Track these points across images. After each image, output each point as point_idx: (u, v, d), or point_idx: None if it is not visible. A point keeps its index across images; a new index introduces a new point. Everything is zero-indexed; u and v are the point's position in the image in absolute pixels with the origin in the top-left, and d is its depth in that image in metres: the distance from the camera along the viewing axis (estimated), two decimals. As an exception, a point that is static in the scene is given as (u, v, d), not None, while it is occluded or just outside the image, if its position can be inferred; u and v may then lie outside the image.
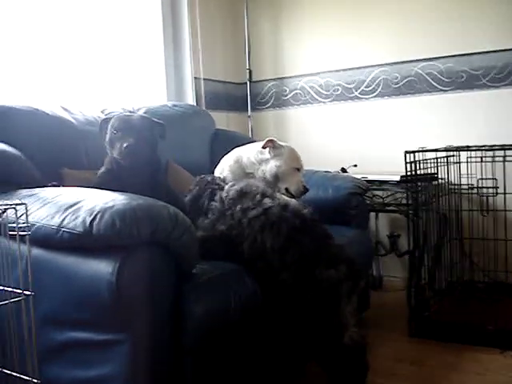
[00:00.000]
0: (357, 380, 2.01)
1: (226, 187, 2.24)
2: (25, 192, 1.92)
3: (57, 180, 2.23)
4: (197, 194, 2.30)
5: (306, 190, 2.62)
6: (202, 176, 2.44)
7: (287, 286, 1.95)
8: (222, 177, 2.63)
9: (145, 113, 3.01)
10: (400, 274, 3.76)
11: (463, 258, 3.41)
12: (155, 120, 2.26)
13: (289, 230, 1.97)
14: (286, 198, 2.64)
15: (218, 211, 2.14)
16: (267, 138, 2.63)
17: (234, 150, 2.80)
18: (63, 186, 2.08)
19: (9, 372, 1.55)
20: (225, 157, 2.80)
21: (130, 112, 2.94)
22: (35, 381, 1.48)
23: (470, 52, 3.52)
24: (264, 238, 1.97)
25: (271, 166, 2.61)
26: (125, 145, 2.06)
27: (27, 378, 1.49)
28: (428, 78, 3.67)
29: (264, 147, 2.64)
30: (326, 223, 2.12)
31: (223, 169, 2.74)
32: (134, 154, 2.08)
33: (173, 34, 3.80)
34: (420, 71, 3.70)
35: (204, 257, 1.92)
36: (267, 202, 2.06)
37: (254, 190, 2.15)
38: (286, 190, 2.60)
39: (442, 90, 3.63)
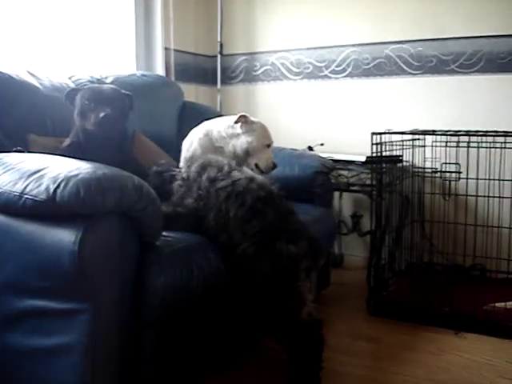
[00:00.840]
0: (313, 355, 2.04)
1: (184, 168, 2.26)
2: (-13, 157, 1.88)
3: (22, 146, 2.19)
4: (158, 183, 2.27)
5: (274, 166, 2.63)
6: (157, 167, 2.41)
7: (247, 258, 1.95)
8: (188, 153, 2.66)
9: (113, 81, 2.98)
10: (361, 253, 3.81)
11: (423, 240, 3.47)
12: (124, 91, 2.24)
13: (253, 200, 1.99)
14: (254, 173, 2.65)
15: (185, 186, 2.14)
16: (239, 114, 2.62)
17: (204, 123, 2.78)
18: (28, 151, 2.05)
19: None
20: (194, 129, 2.78)
21: (99, 81, 2.90)
22: (-7, 347, 1.48)
23: (441, 37, 3.53)
24: (228, 207, 1.99)
25: (242, 142, 2.61)
26: (101, 114, 2.04)
27: (-15, 344, 1.48)
28: (398, 61, 3.69)
29: (236, 122, 2.63)
30: (291, 201, 2.13)
31: (192, 141, 2.72)
32: (110, 123, 2.06)
33: (144, 3, 3.74)
34: (391, 53, 3.71)
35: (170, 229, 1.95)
36: (235, 174, 2.09)
37: (219, 162, 2.17)
38: (256, 165, 2.61)
39: (411, 74, 3.66)
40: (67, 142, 2.22)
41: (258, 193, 2.02)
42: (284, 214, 2.04)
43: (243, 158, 2.62)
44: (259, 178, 2.14)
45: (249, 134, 2.62)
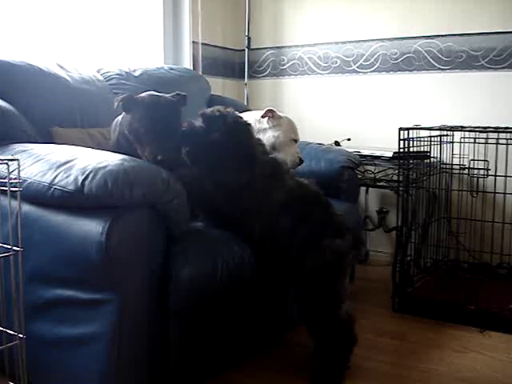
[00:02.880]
0: (344, 352, 2.06)
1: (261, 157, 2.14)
2: (18, 147, 1.91)
3: (47, 138, 2.21)
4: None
5: (301, 161, 2.63)
6: None
7: (293, 258, 2.00)
8: None
9: (141, 74, 3.00)
10: (386, 249, 3.79)
11: (450, 237, 3.44)
12: (179, 97, 2.15)
13: (303, 208, 2.02)
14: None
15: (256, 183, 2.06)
16: (267, 108, 2.63)
17: (231, 117, 2.78)
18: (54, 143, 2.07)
19: (-5, 325, 1.56)
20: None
21: (127, 74, 2.91)
22: (21, 336, 1.50)
23: (471, 32, 3.49)
24: (281, 218, 2.00)
25: (269, 136, 2.61)
26: (159, 158, 1.93)
27: (13, 332, 1.51)
28: (427, 56, 3.65)
29: (263, 116, 2.63)
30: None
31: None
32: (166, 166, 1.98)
33: (173, -4, 3.76)
34: (419, 48, 3.68)
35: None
36: (289, 183, 2.08)
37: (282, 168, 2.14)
38: None
39: (440, 69, 3.62)
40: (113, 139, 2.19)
41: (307, 199, 2.05)
42: (326, 211, 2.08)
43: (270, 152, 2.62)
44: (301, 180, 2.14)
45: (276, 129, 2.62)
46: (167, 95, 2.11)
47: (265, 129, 2.63)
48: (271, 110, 2.62)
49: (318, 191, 2.12)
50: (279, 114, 2.65)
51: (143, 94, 2.07)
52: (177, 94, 2.14)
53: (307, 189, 2.09)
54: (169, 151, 1.94)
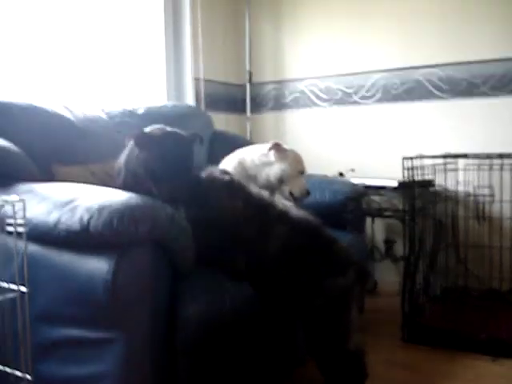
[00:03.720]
0: None
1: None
2: (22, 187, 1.92)
3: (49, 176, 2.22)
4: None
5: (308, 193, 2.64)
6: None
7: (296, 296, 1.97)
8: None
9: (144, 113, 3.02)
10: (394, 279, 3.76)
11: (458, 264, 3.42)
12: (196, 136, 2.13)
13: (302, 258, 1.97)
14: (286, 203, 2.65)
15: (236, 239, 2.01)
16: (272, 142, 2.64)
17: (237, 151, 2.80)
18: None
19: (2, 368, 1.55)
20: (227, 158, 2.80)
21: (131, 113, 2.94)
22: (28, 377, 1.49)
23: (470, 60, 3.52)
24: (281, 271, 1.96)
25: (276, 169, 2.62)
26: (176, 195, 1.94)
27: (20, 374, 1.50)
28: (428, 85, 3.68)
29: (270, 149, 2.65)
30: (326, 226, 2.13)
31: (225, 170, 2.74)
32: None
33: (174, 34, 3.80)
34: (420, 78, 3.71)
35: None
36: (281, 230, 2.01)
37: (271, 216, 2.05)
38: (290, 193, 2.62)
39: (441, 97, 3.64)
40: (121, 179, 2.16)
41: (302, 242, 2.00)
42: (328, 248, 2.02)
43: (277, 185, 2.63)
44: (301, 217, 2.08)
45: (282, 162, 2.63)
46: (180, 131, 2.08)
47: (271, 162, 2.64)
48: (277, 143, 2.64)
49: (318, 228, 2.06)
50: (285, 147, 2.67)
51: (155, 130, 2.04)
52: (194, 133, 2.11)
53: (305, 228, 2.03)
54: (184, 190, 1.93)
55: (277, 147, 2.64)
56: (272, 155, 2.65)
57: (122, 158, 2.12)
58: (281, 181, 2.63)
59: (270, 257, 1.96)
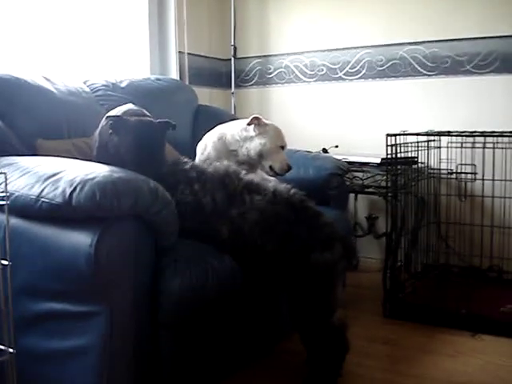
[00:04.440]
0: (337, 359, 2.06)
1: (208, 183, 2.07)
2: (4, 160, 1.90)
3: (32, 151, 2.20)
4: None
5: (289, 168, 2.62)
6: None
7: (282, 274, 1.98)
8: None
9: (127, 85, 3.00)
10: (376, 255, 3.79)
11: (439, 241, 3.45)
12: (168, 124, 2.18)
13: (285, 228, 1.96)
14: (269, 178, 2.65)
15: (213, 214, 2.00)
16: (252, 116, 2.62)
17: (218, 126, 2.78)
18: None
19: (-16, 341, 1.55)
20: (208, 133, 2.79)
21: (113, 86, 2.91)
22: (11, 350, 1.48)
23: (456, 38, 3.52)
24: (264, 241, 1.95)
25: (255, 144, 2.61)
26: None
27: (3, 347, 1.49)
28: (412, 62, 3.67)
29: (249, 124, 2.63)
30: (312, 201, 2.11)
31: (206, 145, 2.73)
32: None
33: (158, 7, 3.76)
34: (405, 55, 3.70)
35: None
36: (256, 199, 2.00)
37: (236, 186, 2.05)
38: (270, 167, 2.61)
39: (426, 75, 3.64)
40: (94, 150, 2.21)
41: (288, 216, 1.98)
42: (314, 223, 2.01)
43: (257, 160, 2.62)
44: (278, 190, 2.06)
45: (262, 136, 2.61)
46: (155, 120, 2.15)
47: (251, 137, 2.63)
48: (257, 117, 2.62)
49: (303, 203, 2.05)
50: (265, 121, 2.65)
51: (133, 118, 2.11)
52: (166, 121, 2.17)
53: (287, 199, 2.02)
54: (151, 177, 1.95)
55: (256, 121, 2.62)
56: (252, 130, 2.63)
57: (97, 135, 2.20)
58: (261, 156, 2.61)
59: (249, 224, 1.95)
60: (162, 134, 2.17)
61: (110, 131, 2.10)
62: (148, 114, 2.28)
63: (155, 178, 1.81)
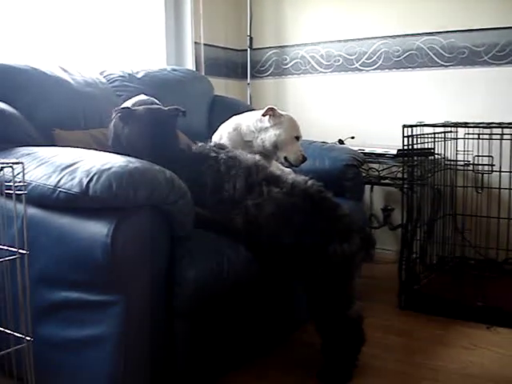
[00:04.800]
0: (353, 350, 2.06)
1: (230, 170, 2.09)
2: (22, 151, 1.92)
3: (51, 140, 2.22)
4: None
5: (304, 159, 2.62)
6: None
7: (300, 266, 1.98)
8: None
9: (144, 76, 3.00)
10: (392, 247, 3.78)
11: (455, 233, 3.43)
12: (178, 111, 2.23)
13: (302, 218, 1.95)
14: (285, 169, 2.65)
15: (229, 202, 2.02)
16: (267, 106, 2.62)
17: (233, 117, 2.79)
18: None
19: (2, 329, 1.57)
20: (223, 124, 2.79)
21: (130, 76, 2.92)
22: (28, 338, 1.50)
23: (473, 28, 3.48)
24: (281, 233, 1.95)
25: (270, 135, 2.60)
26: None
27: (20, 335, 1.51)
28: (429, 53, 3.65)
29: (264, 115, 2.63)
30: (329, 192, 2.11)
31: (221, 136, 2.73)
32: None
33: (174, -2, 3.76)
34: (422, 45, 3.67)
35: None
36: (274, 191, 2.00)
37: (256, 177, 2.05)
38: (285, 158, 2.61)
39: (443, 66, 3.61)
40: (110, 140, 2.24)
41: (305, 208, 1.97)
42: (331, 214, 2.01)
43: (272, 151, 2.62)
44: (296, 183, 2.05)
45: (277, 127, 2.61)
46: (164, 108, 2.20)
47: (266, 128, 2.62)
48: (272, 108, 2.62)
49: (321, 194, 2.04)
50: (280, 112, 2.64)
51: (141, 107, 2.17)
52: (176, 108, 2.22)
53: (305, 191, 2.01)
54: (163, 163, 1.97)
55: (271, 112, 2.62)
56: (266, 121, 2.63)
57: (111, 126, 2.23)
58: (275, 146, 2.61)
59: (265, 215, 1.95)
60: (172, 121, 2.21)
61: (121, 124, 2.14)
62: (158, 102, 2.29)
63: (170, 161, 1.84)
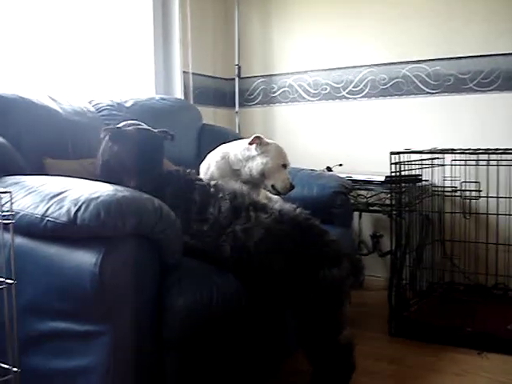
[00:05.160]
0: (343, 378, 2.04)
1: (218, 195, 2.11)
2: (10, 180, 1.91)
3: (40, 169, 2.22)
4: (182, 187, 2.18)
5: (292, 187, 2.62)
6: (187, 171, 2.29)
7: (288, 289, 1.97)
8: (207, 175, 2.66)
9: (132, 105, 3.01)
10: (381, 273, 3.78)
11: (444, 259, 3.44)
12: (166, 134, 2.30)
13: (292, 246, 1.95)
14: (272, 196, 2.66)
15: (216, 226, 2.01)
16: (254, 135, 2.63)
17: (221, 146, 2.79)
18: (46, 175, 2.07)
19: (-12, 360, 1.55)
20: (211, 153, 2.80)
21: (119, 105, 2.93)
22: (15, 369, 1.48)
23: (458, 56, 3.54)
24: (271, 259, 1.94)
25: (257, 163, 2.61)
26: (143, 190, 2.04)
27: (7, 366, 1.49)
28: (415, 81, 3.69)
29: (251, 144, 2.64)
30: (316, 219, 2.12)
31: (209, 165, 2.73)
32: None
33: (162, 27, 3.79)
34: (408, 73, 3.72)
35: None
36: (263, 217, 2.00)
37: (243, 201, 2.07)
38: (272, 186, 2.61)
39: (428, 93, 3.66)
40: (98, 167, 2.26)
41: (294, 236, 1.97)
42: (320, 241, 2.01)
43: (260, 179, 2.62)
44: (284, 210, 2.06)
45: (264, 155, 2.62)
46: (153, 129, 2.25)
47: (253, 156, 2.63)
48: (258, 136, 2.63)
49: (308, 221, 2.05)
50: (267, 140, 2.65)
51: (130, 128, 2.21)
52: (164, 131, 2.29)
53: (293, 219, 2.02)
54: (151, 183, 2.04)
55: (258, 140, 2.63)
56: (253, 149, 2.64)
57: (99, 150, 2.26)
58: (263, 175, 2.62)
59: (254, 241, 1.94)
60: (160, 142, 2.25)
61: (110, 144, 2.17)
62: (145, 125, 2.31)
63: (158, 182, 1.86)
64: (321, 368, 2.02)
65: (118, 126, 2.25)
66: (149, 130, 2.22)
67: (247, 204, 2.05)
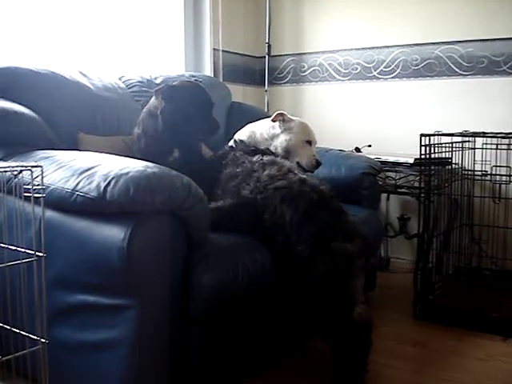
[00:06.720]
0: (360, 357, 2.03)
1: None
2: (41, 154, 1.93)
3: (73, 145, 2.24)
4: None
5: (318, 163, 2.60)
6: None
7: (303, 258, 1.97)
8: None
9: (162, 82, 3.02)
10: (408, 256, 3.76)
11: (472, 244, 3.41)
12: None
13: (307, 204, 2.00)
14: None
15: (246, 170, 2.20)
16: (277, 112, 2.62)
17: (248, 125, 2.79)
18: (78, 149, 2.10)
19: (18, 331, 1.58)
20: (238, 132, 2.79)
21: (148, 82, 2.96)
22: (43, 340, 1.51)
23: (492, 38, 3.47)
24: (283, 210, 2.00)
25: (281, 140, 2.60)
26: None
27: (35, 337, 1.52)
28: (448, 62, 3.64)
29: (274, 120, 2.62)
30: (339, 201, 2.15)
31: (237, 144, 2.73)
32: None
33: (193, 4, 3.77)
34: (440, 54, 3.66)
35: (230, 223, 2.05)
36: (291, 176, 2.11)
37: (282, 162, 2.24)
38: (298, 163, 2.59)
39: (461, 75, 3.60)
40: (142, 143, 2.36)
41: (311, 196, 2.03)
42: (337, 214, 2.06)
43: (285, 157, 2.61)
44: (311, 179, 2.14)
45: (287, 132, 2.61)
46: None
47: (278, 134, 2.63)
48: (281, 113, 2.61)
49: (325, 192, 2.12)
50: (290, 117, 2.64)
51: (181, 82, 2.39)
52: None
53: (314, 188, 2.09)
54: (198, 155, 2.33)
55: (281, 117, 2.61)
56: (277, 126, 2.63)
57: (141, 120, 2.37)
58: (287, 151, 2.60)
59: (274, 188, 2.06)
60: (210, 98, 2.39)
61: (163, 103, 2.27)
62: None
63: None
64: (337, 346, 2.01)
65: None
66: (199, 84, 2.40)
67: (283, 163, 2.22)
